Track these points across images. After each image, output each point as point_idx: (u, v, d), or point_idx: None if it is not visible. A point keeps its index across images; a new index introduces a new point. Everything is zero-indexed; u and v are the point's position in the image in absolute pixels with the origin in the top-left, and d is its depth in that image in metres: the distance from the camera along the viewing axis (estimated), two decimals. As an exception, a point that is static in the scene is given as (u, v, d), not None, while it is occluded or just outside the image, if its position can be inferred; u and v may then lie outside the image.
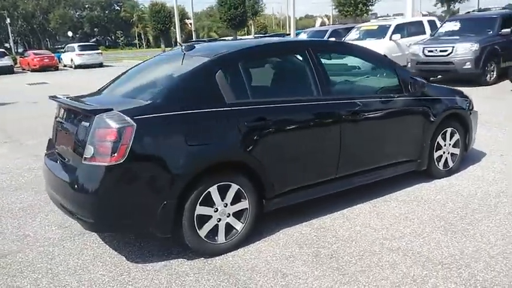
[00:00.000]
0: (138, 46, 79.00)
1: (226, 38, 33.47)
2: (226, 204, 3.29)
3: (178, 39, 31.88)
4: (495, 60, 11.02)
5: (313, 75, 3.72)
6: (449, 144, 4.75)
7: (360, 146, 3.97)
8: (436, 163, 4.65)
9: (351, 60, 4.68)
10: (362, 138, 3.96)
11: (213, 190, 3.20)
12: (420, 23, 14.70)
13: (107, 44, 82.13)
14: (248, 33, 39.61)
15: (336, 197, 4.02)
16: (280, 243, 3.46)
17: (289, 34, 29.09)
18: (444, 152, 4.72)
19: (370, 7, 25.10)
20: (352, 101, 3.90)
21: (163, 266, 3.20)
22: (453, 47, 10.86)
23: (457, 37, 11.42)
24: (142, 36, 79.77)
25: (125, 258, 3.33)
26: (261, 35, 37.31)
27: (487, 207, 3.91)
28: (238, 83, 3.44)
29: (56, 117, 3.76)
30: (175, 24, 33.33)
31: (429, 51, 11.33)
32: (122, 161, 2.89)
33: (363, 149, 4.00)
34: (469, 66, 10.59)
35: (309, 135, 3.66)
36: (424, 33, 14.25)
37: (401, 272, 2.95)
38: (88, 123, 3.03)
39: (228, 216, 3.32)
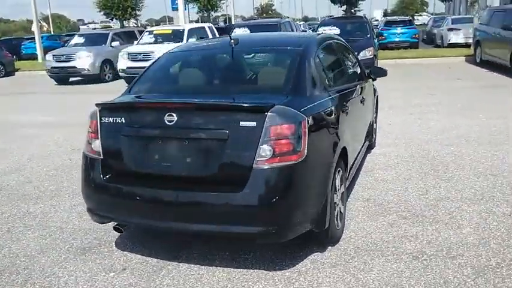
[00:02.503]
0: None
1: None
2: (338, 189, 3.39)
3: None
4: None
5: (346, 63, 4.18)
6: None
7: (361, 122, 4.60)
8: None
9: None
10: (361, 115, 4.60)
11: (337, 177, 3.27)
12: (203, 28, 15.90)
13: None
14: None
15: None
16: (364, 218, 3.76)
17: (31, 39, 25.62)
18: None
19: (137, 11, 24.91)
20: (358, 85, 4.51)
21: (310, 262, 3.09)
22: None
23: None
24: None
25: (262, 270, 3.01)
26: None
27: (436, 161, 5.18)
28: (322, 71, 3.57)
29: (125, 126, 2.93)
30: None
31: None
32: (304, 157, 2.69)
33: (361, 125, 4.65)
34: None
35: (355, 114, 4.07)
36: (207, 37, 15.53)
37: (478, 209, 3.79)
38: (255, 122, 2.63)
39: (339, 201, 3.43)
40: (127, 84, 14.22)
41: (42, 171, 5.59)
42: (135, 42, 15.03)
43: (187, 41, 14.02)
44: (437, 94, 9.63)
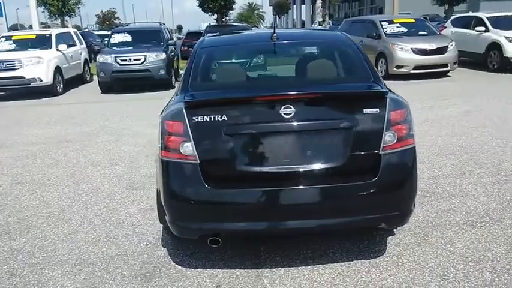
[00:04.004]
0: None
1: None
2: None
3: None
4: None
5: None
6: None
7: None
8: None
9: None
10: None
11: None
12: (69, 34, 14.39)
13: None
14: None
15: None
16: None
17: None
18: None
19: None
20: None
21: (395, 245, 3.20)
22: (145, 56, 11.80)
23: (132, 47, 12.44)
24: None
25: (363, 260, 3.03)
26: None
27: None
28: None
29: (228, 124, 2.61)
30: None
31: (122, 60, 11.76)
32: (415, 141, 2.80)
33: None
34: (163, 72, 11.90)
35: None
36: (75, 44, 14.14)
37: (472, 182, 4.37)
38: (377, 109, 2.61)
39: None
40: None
41: (-24, 202, 4.45)
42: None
43: (56, 46, 12.54)
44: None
